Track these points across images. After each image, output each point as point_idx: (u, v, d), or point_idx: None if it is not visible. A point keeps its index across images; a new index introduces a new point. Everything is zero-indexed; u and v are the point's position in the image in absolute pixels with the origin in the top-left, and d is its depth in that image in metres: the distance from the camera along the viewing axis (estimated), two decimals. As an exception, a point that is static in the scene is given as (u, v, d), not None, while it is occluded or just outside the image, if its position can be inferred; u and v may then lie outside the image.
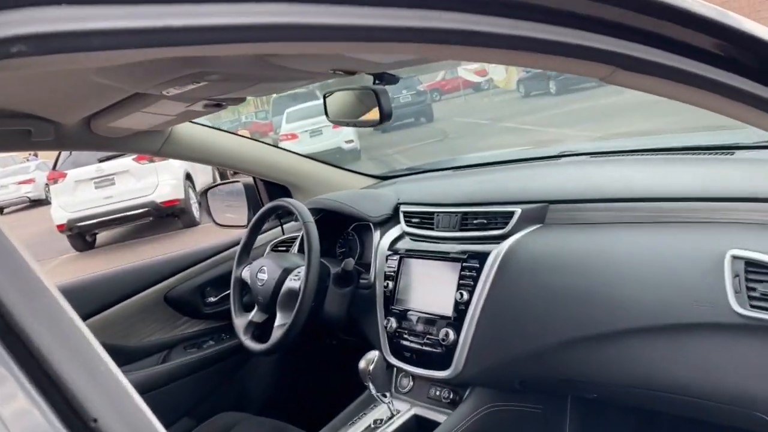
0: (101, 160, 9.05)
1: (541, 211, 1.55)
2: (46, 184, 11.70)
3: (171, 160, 9.03)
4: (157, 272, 2.14)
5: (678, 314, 1.21)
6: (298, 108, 15.08)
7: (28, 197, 17.99)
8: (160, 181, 9.22)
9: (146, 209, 9.25)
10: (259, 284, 1.84)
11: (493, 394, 1.59)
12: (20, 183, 18.09)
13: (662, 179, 1.55)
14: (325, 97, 1.64)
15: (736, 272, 1.14)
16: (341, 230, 2.13)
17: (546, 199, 1.56)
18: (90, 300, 2.00)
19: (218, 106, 1.54)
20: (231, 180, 2.44)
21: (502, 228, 1.56)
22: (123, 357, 2.04)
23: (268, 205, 1.95)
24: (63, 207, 9.07)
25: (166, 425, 0.46)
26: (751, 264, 1.13)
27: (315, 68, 1.18)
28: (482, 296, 1.51)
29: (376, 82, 1.50)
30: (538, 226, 1.54)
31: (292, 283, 1.77)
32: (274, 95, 19.28)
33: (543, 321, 1.41)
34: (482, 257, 1.54)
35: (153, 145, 1.91)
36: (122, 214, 9.19)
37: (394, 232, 1.86)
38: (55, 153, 9.55)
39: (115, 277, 2.11)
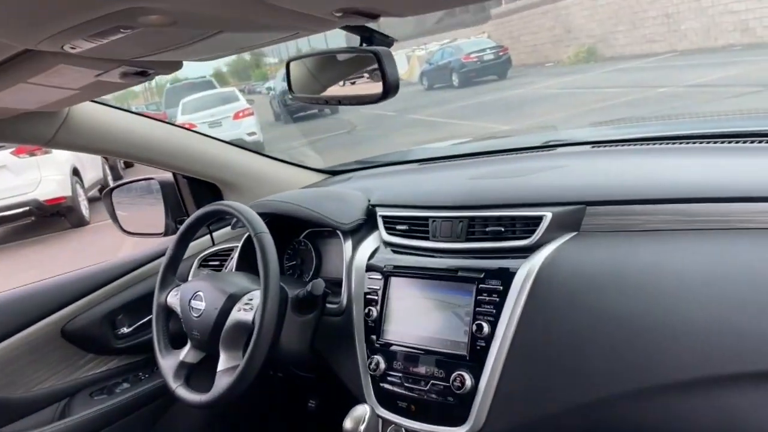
0: (-28, 154, 8.12)
1: (577, 215, 1.22)
2: None
3: (55, 152, 8.23)
4: (52, 299, 1.71)
5: None
6: (195, 97, 14.39)
7: None
8: (43, 176, 8.46)
9: (27, 208, 8.50)
10: (194, 315, 1.41)
11: None
12: None
13: (713, 173, 1.26)
14: (288, 66, 1.22)
15: None
16: (289, 238, 1.72)
17: (582, 200, 1.23)
18: None
19: (142, 74, 1.10)
20: (144, 177, 1.97)
21: (527, 237, 1.22)
22: (7, 413, 1.60)
23: (203, 210, 1.51)
24: (-73, 208, 8.14)
25: None
26: None
27: (313, 8, 0.77)
28: (510, 328, 1.16)
29: (363, 45, 1.11)
30: (573, 234, 1.21)
31: (242, 314, 1.36)
32: (168, 85, 18.31)
33: (598, 363, 1.07)
34: (506, 276, 1.19)
35: (43, 132, 1.48)
36: (-1, 215, 8.30)
37: (370, 243, 1.47)
38: None
39: None
